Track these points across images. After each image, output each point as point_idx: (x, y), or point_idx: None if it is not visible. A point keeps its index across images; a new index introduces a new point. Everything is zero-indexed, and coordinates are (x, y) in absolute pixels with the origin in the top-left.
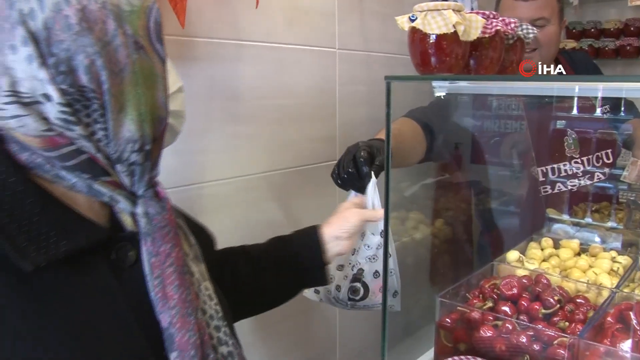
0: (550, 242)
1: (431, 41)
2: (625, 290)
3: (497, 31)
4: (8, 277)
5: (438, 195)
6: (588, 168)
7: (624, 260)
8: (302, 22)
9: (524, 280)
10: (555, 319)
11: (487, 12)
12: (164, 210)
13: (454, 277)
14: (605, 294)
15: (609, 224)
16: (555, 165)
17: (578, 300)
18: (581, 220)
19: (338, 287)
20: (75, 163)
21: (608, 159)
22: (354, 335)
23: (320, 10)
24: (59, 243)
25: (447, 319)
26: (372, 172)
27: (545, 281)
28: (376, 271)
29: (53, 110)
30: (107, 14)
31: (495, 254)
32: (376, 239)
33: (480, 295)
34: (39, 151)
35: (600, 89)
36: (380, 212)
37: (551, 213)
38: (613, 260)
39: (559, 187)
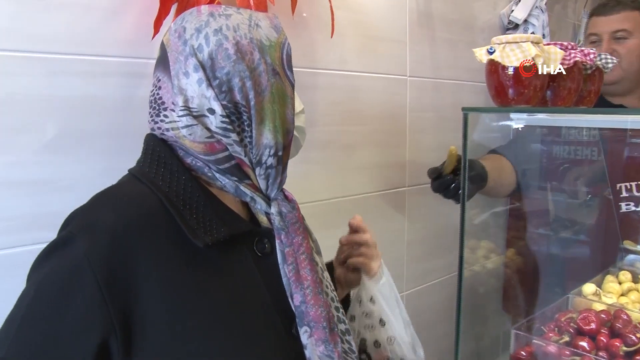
0: (629, 275)
1: (509, 73)
2: None
3: (575, 62)
4: (183, 251)
5: (510, 224)
6: None
7: None
8: (374, 50)
9: (603, 315)
10: (638, 357)
11: (565, 43)
12: (294, 209)
13: (525, 309)
14: None
15: None
16: (637, 183)
17: None
18: None
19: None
20: (227, 167)
21: None
22: None
23: (391, 38)
24: (220, 229)
25: (522, 352)
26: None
27: (625, 317)
28: (376, 341)
29: (215, 121)
30: (254, 47)
31: (568, 285)
32: (374, 307)
33: (556, 329)
34: (200, 155)
35: None
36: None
37: (627, 244)
38: None
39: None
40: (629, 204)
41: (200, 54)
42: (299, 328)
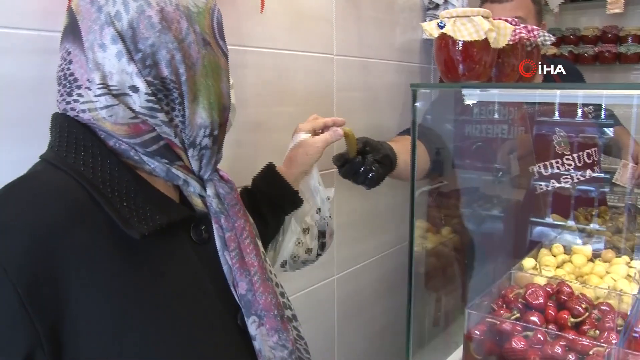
0: (562, 248)
1: (459, 48)
2: None
3: (520, 38)
4: (115, 244)
5: (436, 204)
6: (579, 165)
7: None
8: (303, 27)
9: (549, 289)
10: (584, 327)
11: (509, 19)
12: (233, 190)
13: (458, 284)
14: (627, 299)
15: (592, 226)
16: (548, 162)
17: (603, 308)
18: (585, 226)
19: (309, 250)
20: (156, 149)
21: (590, 158)
22: (353, 349)
23: (319, 15)
24: (155, 216)
25: (476, 331)
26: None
27: (568, 289)
28: (326, 219)
29: (139, 100)
30: (180, 15)
31: (500, 262)
32: (328, 191)
33: (505, 305)
34: (124, 138)
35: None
36: (338, 121)
37: (554, 219)
38: (628, 265)
39: (552, 183)
40: (541, 185)
41: (118, 22)
42: (245, 318)
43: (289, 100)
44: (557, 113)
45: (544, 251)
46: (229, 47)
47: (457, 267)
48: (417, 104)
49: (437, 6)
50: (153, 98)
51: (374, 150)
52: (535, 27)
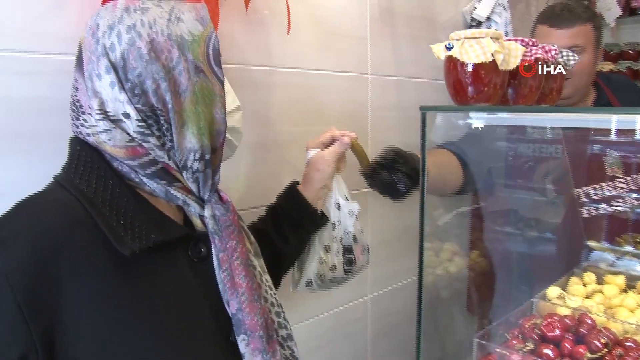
0: (593, 277)
1: (468, 70)
2: None
3: (536, 59)
4: (111, 260)
5: (473, 225)
6: (633, 188)
7: None
8: (334, 46)
9: (567, 321)
10: None
11: (526, 40)
12: (228, 212)
13: (491, 312)
14: None
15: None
16: (597, 185)
17: (627, 344)
18: (624, 249)
19: (333, 267)
20: (153, 170)
21: None
22: None
23: (351, 34)
24: (149, 235)
25: None
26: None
27: (590, 321)
28: (355, 236)
29: (132, 125)
30: (172, 44)
31: (535, 286)
32: (352, 205)
33: (520, 336)
34: (124, 160)
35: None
36: (347, 133)
37: (591, 243)
38: None
39: (602, 208)
40: (589, 209)
41: (112, 53)
42: (236, 336)
43: (319, 119)
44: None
45: (574, 279)
46: (257, 67)
47: (487, 291)
48: (427, 127)
49: (479, 24)
50: (143, 124)
51: (405, 162)
52: (553, 48)
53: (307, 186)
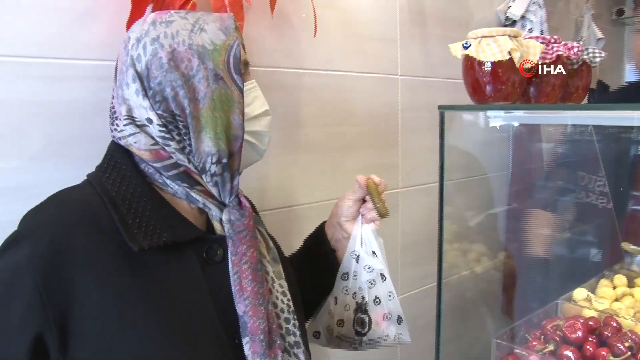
0: (624, 279)
1: (486, 69)
2: None
3: (558, 56)
4: (124, 256)
5: (504, 226)
6: None
7: None
8: (363, 48)
9: (591, 323)
10: None
11: (548, 37)
12: (244, 217)
13: (519, 313)
14: None
15: None
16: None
17: None
18: None
19: (340, 322)
20: (175, 173)
21: None
22: None
23: (381, 36)
24: (162, 234)
25: None
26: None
27: (615, 324)
28: (376, 297)
29: (154, 130)
30: (192, 53)
31: (564, 288)
32: (376, 261)
33: (542, 337)
34: (150, 162)
35: None
36: (360, 177)
37: (625, 246)
38: None
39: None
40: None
41: (138, 64)
42: (242, 338)
43: (349, 120)
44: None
45: (603, 281)
46: (287, 70)
47: (515, 292)
48: (445, 126)
49: (514, 22)
50: (164, 129)
51: None
52: (576, 44)
53: (328, 221)
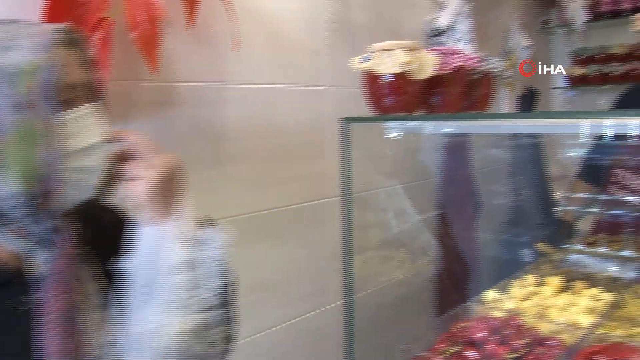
0: (533, 279)
1: (383, 81)
2: (603, 330)
3: (460, 67)
4: None
5: (431, 231)
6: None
7: (610, 296)
8: (290, 61)
9: (496, 322)
10: None
11: (450, 49)
12: (59, 258)
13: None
14: (579, 334)
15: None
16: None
17: (550, 343)
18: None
19: None
20: None
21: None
22: None
23: (308, 48)
24: None
25: None
26: None
27: (516, 323)
28: None
29: None
30: None
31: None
32: None
33: (449, 339)
34: None
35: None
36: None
37: (541, 247)
38: (595, 298)
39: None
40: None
41: None
42: None
43: (276, 132)
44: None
45: (516, 282)
46: (208, 84)
47: (435, 296)
48: (350, 139)
49: (442, 32)
50: None
51: None
52: (479, 55)
53: None
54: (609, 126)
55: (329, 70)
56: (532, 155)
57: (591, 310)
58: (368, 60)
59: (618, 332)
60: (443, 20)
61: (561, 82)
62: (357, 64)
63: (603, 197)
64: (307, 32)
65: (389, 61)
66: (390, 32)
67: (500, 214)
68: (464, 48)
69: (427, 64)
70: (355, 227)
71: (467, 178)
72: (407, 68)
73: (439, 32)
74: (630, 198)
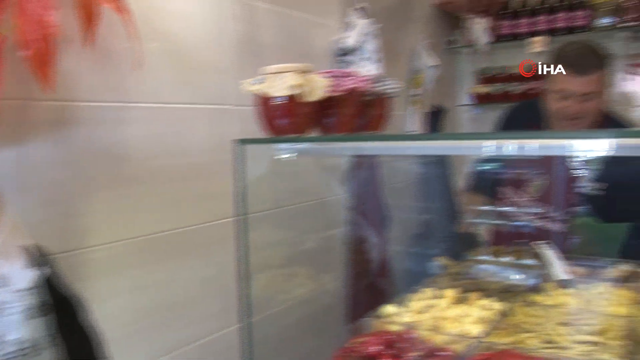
0: (430, 292)
1: (274, 103)
2: (492, 338)
3: (352, 89)
4: None
5: (339, 247)
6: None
7: (500, 306)
8: (196, 80)
9: (391, 336)
10: None
11: (343, 71)
12: None
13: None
14: (474, 344)
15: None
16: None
17: (441, 354)
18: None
19: None
20: None
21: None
22: None
23: (215, 67)
24: None
25: None
26: None
27: (410, 336)
28: None
29: None
30: None
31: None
32: None
33: (346, 355)
34: None
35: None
36: None
37: (440, 261)
38: (486, 308)
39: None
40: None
41: None
42: None
43: (181, 152)
44: None
45: (415, 295)
46: (110, 104)
47: (337, 312)
48: (245, 161)
49: (350, 52)
50: None
51: None
52: (372, 77)
53: None
54: (490, 147)
55: (235, 89)
56: (439, 169)
57: (482, 320)
58: (261, 82)
59: (505, 340)
60: (350, 40)
61: (467, 100)
62: (249, 86)
63: (501, 208)
64: (214, 52)
65: (279, 84)
66: (299, 52)
67: (409, 229)
68: (370, 68)
69: (318, 87)
70: (259, 246)
71: (375, 194)
72: (297, 91)
73: (346, 52)
74: (521, 210)
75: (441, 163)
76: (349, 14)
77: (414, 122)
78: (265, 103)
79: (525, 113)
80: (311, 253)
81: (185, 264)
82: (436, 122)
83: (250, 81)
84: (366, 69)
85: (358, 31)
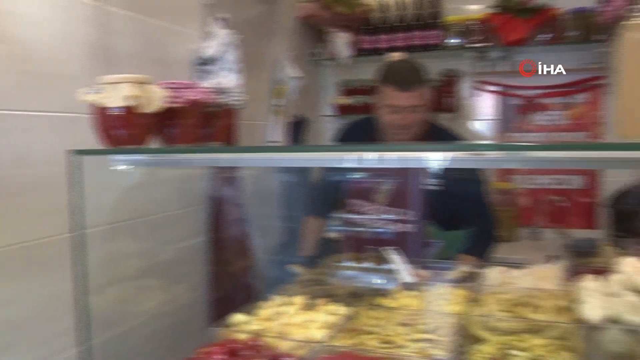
0: (280, 300)
1: (111, 114)
2: (335, 342)
3: (193, 101)
4: None
5: (199, 257)
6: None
7: (346, 310)
8: (41, 86)
9: (236, 345)
10: None
11: (184, 82)
12: None
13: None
14: (318, 348)
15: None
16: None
17: (285, 359)
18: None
19: None
20: None
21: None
22: None
23: (64, 74)
24: None
25: None
26: None
27: (256, 343)
28: None
29: None
30: None
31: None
32: None
33: None
34: None
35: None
36: None
37: (292, 268)
38: (332, 313)
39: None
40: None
41: None
42: None
43: (22, 164)
44: None
45: (264, 303)
46: None
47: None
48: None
49: (209, 61)
50: None
51: None
52: (214, 89)
53: None
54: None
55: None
56: (301, 178)
57: (327, 325)
58: (97, 92)
59: (347, 342)
60: (210, 50)
61: (330, 111)
62: (83, 95)
63: (353, 216)
64: (64, 58)
65: (115, 94)
66: (156, 60)
67: (272, 238)
68: (231, 78)
69: (156, 98)
70: (108, 259)
71: (233, 204)
72: (132, 102)
73: (206, 62)
74: (373, 216)
75: (303, 172)
76: (210, 23)
77: (276, 132)
78: (101, 113)
79: (362, 126)
80: (166, 265)
81: (24, 282)
82: (298, 132)
83: (85, 90)
84: (226, 79)
85: (219, 41)
